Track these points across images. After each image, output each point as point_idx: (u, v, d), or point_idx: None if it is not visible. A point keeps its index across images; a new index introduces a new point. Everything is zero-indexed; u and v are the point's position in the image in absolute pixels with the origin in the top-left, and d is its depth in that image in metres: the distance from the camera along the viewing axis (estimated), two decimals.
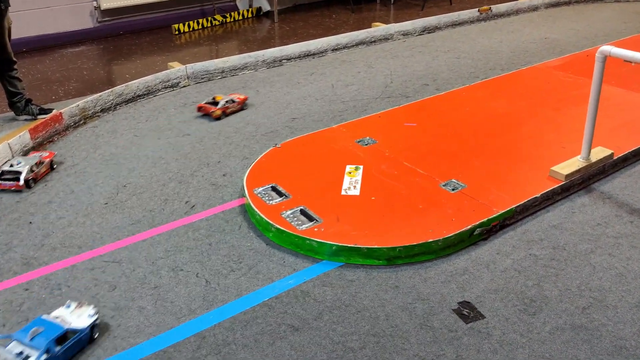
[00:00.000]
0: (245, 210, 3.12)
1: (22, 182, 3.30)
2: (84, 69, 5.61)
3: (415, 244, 2.67)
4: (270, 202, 3.04)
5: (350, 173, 3.31)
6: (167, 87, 4.91)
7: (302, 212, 2.94)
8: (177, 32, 6.88)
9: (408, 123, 3.97)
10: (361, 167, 3.37)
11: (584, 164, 3.21)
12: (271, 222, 2.85)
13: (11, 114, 4.37)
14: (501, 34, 6.17)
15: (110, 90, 4.50)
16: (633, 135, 3.63)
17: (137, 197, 3.26)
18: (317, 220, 2.86)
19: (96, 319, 2.25)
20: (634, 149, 3.47)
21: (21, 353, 2.05)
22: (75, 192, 3.32)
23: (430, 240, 2.68)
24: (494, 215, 2.85)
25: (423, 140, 3.72)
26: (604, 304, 2.39)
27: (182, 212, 3.11)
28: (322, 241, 2.70)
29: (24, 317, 2.38)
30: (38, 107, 4.37)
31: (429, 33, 6.32)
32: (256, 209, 2.96)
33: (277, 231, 2.83)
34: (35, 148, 3.82)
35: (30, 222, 3.05)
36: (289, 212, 2.94)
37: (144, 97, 4.73)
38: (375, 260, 2.67)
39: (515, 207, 2.93)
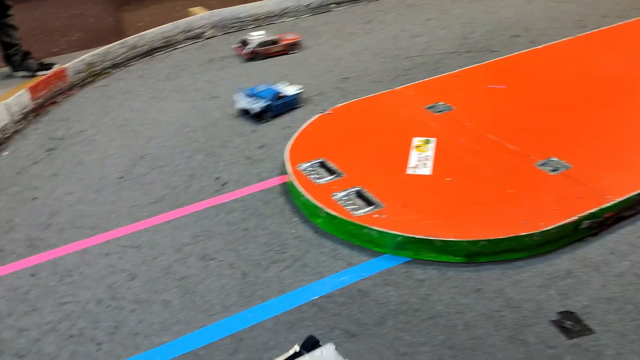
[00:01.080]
0: (288, 190, 3.16)
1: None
2: (89, 16, 5.75)
3: (503, 237, 2.64)
4: (319, 181, 3.06)
5: (418, 147, 3.30)
6: (189, 39, 5.00)
7: (359, 195, 2.96)
8: None
9: (494, 85, 3.93)
10: (433, 139, 3.35)
11: None
12: (320, 205, 2.88)
13: (6, 69, 4.53)
14: None
15: (121, 41, 4.61)
16: None
17: (157, 170, 3.35)
18: (377, 205, 2.87)
19: (302, 91, 3.96)
20: None
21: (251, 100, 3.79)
22: (84, 164, 3.44)
23: (524, 233, 2.65)
24: (608, 205, 2.79)
25: (513, 107, 3.67)
26: None
27: (211, 191, 3.18)
28: (385, 230, 2.71)
29: (32, 306, 2.51)
30: (37, 62, 4.52)
31: None
32: (301, 190, 2.99)
33: (328, 217, 2.85)
34: (35, 110, 3.95)
35: (34, 198, 3.19)
36: (341, 193, 2.96)
37: (161, 50, 4.83)
38: (451, 256, 2.67)
39: (635, 195, 2.87)
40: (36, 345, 2.34)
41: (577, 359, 2.20)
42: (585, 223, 2.75)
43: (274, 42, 4.60)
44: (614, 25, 4.77)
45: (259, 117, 3.85)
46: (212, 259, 2.72)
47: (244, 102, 3.81)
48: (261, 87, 3.89)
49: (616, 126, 3.44)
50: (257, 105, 3.76)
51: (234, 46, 4.58)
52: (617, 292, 2.48)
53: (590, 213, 2.75)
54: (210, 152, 3.51)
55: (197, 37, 5.02)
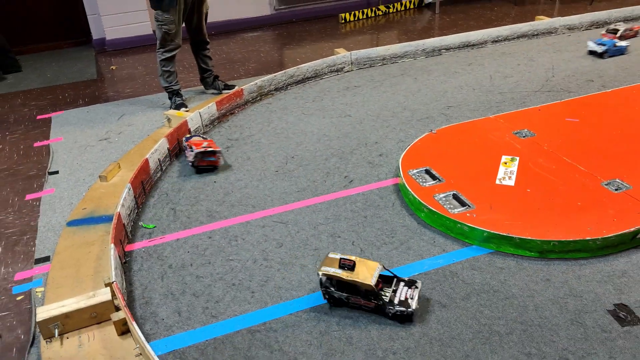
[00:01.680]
0: (399, 189, 3.13)
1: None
2: (261, 52, 5.97)
3: (571, 240, 2.50)
4: (424, 184, 3.02)
5: (505, 163, 3.17)
6: (332, 71, 5.05)
7: (455, 197, 2.88)
8: (343, 21, 7.03)
9: (570, 118, 3.69)
10: (517, 158, 3.21)
11: None
12: (424, 202, 2.84)
13: (201, 87, 4.80)
14: None
15: (283, 71, 4.74)
16: None
17: (302, 168, 3.42)
18: (469, 206, 2.79)
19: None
20: None
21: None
22: (251, 159, 3.57)
23: (588, 238, 2.49)
24: None
25: (585, 136, 3.44)
26: None
27: (341, 185, 3.20)
28: (474, 226, 2.63)
29: (207, 260, 2.63)
30: (223, 83, 4.76)
31: (596, 28, 5.79)
32: (410, 189, 2.96)
33: (429, 212, 2.80)
34: (219, 118, 4.16)
35: (215, 182, 3.33)
36: (441, 195, 2.90)
37: (311, 79, 4.91)
38: (527, 251, 2.55)
39: None
40: (208, 289, 2.45)
41: (628, 344, 2.05)
42: None
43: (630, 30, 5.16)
44: None
45: (601, 56, 4.78)
46: (339, 237, 2.74)
47: (592, 45, 4.68)
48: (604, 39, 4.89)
49: None
50: (601, 48, 4.78)
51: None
52: None
53: None
54: (342, 157, 3.53)
55: (338, 70, 5.07)
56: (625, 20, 5.91)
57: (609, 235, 2.50)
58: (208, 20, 4.50)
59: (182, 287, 2.47)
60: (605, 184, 2.90)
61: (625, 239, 2.53)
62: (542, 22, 5.72)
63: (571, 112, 3.79)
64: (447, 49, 5.42)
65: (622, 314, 2.18)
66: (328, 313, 2.26)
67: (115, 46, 6.40)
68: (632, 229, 2.53)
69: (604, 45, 4.92)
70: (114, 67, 5.81)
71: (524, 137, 3.47)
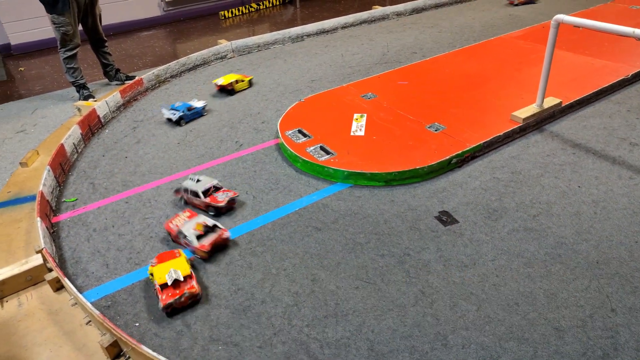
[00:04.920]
0: (280, 147, 3.11)
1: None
2: (155, 47, 5.52)
3: (407, 169, 2.65)
4: (298, 141, 3.02)
5: (357, 119, 3.26)
6: (217, 59, 4.81)
7: (322, 148, 2.92)
8: (223, 18, 6.69)
9: (401, 82, 3.87)
10: (365, 115, 3.31)
11: (538, 110, 3.11)
12: (299, 155, 2.85)
13: (105, 80, 4.35)
14: (474, 13, 5.88)
15: (176, 61, 4.43)
16: (578, 88, 3.49)
17: (200, 138, 3.26)
18: (332, 154, 2.84)
19: (205, 104, 3.51)
20: (578, 98, 3.35)
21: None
22: (156, 135, 3.33)
23: (418, 167, 2.66)
24: (467, 149, 2.80)
25: (412, 94, 3.62)
26: (550, 212, 2.37)
27: (233, 149, 3.11)
28: (337, 168, 2.69)
29: (126, 221, 2.46)
30: (125, 75, 4.35)
31: (417, 13, 6.05)
32: (287, 146, 2.95)
33: (304, 162, 2.82)
34: (124, 104, 3.81)
35: (126, 157, 3.08)
36: (311, 148, 2.92)
37: (201, 66, 4.65)
38: (376, 182, 2.66)
39: (483, 143, 2.87)
40: (130, 243, 2.31)
41: (449, 238, 2.24)
42: (454, 160, 2.76)
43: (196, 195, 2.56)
44: (472, 44, 4.70)
45: (177, 123, 3.33)
46: (235, 188, 2.68)
47: (167, 113, 3.33)
48: (178, 103, 3.42)
49: (473, 103, 3.42)
50: (174, 115, 3.32)
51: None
52: (472, 199, 2.50)
53: (457, 154, 2.76)
54: (232, 126, 3.42)
55: (222, 57, 4.84)
56: (434, 5, 6.23)
57: (432, 164, 2.68)
58: (105, 22, 4.06)
59: (107, 245, 2.30)
60: (428, 127, 3.09)
61: (443, 165, 2.74)
62: (378, 10, 5.86)
63: (402, 77, 3.96)
64: (308, 35, 5.38)
65: (444, 218, 2.37)
66: (231, 247, 2.22)
67: (22, 50, 5.59)
68: (447, 157, 2.74)
69: (177, 110, 3.39)
70: (22, 69, 5.07)
71: (369, 98, 3.57)
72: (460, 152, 2.77)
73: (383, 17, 5.86)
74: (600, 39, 4.28)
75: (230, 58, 4.88)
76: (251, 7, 6.98)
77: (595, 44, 4.25)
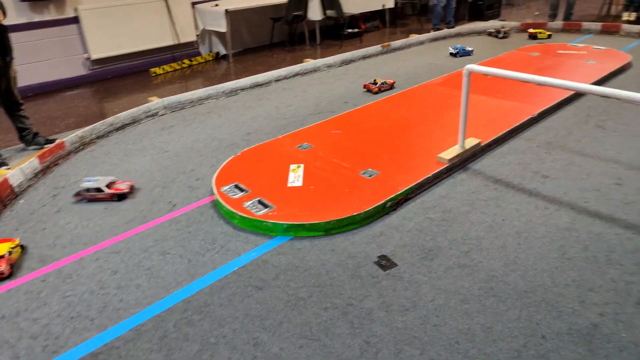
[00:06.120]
0: (215, 204, 3.07)
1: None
2: (80, 107, 5.36)
3: (344, 217, 2.71)
4: (234, 196, 3.01)
5: (293, 170, 3.32)
6: (148, 117, 4.77)
7: (259, 202, 2.93)
8: (154, 75, 6.68)
9: (334, 130, 4.02)
10: (302, 165, 3.38)
11: (461, 151, 3.35)
12: (235, 211, 2.83)
13: (22, 145, 4.13)
14: (398, 62, 6.33)
15: (102, 121, 4.33)
16: (494, 128, 3.80)
17: (129, 201, 3.15)
18: (270, 207, 2.86)
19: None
20: (494, 137, 3.64)
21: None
22: (80, 202, 3.18)
23: (355, 213, 2.73)
24: (400, 192, 2.93)
25: (346, 142, 3.77)
26: (480, 247, 2.50)
27: (166, 210, 3.03)
28: (276, 222, 2.70)
29: (43, 302, 2.27)
30: (44, 138, 4.16)
31: (346, 65, 6.41)
32: (223, 203, 2.93)
33: (241, 218, 2.80)
34: (43, 170, 3.62)
35: (44, 229, 2.89)
36: (249, 202, 2.92)
37: (130, 125, 4.57)
38: (316, 232, 2.69)
39: (414, 185, 3.02)
40: (46, 328, 2.12)
41: (389, 282, 2.28)
42: (389, 204, 2.87)
43: (385, 83, 5.04)
44: (398, 92, 5.02)
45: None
46: (168, 254, 2.58)
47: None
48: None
49: (403, 147, 3.61)
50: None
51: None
52: (408, 240, 2.59)
53: (391, 198, 2.87)
54: (165, 186, 3.35)
55: (153, 115, 4.79)
56: (362, 57, 6.64)
57: (368, 209, 2.77)
58: (24, 84, 3.92)
59: (18, 333, 2.09)
60: (362, 173, 3.21)
61: (379, 209, 2.83)
62: (309, 63, 6.15)
63: (335, 126, 4.13)
64: (242, 89, 5.50)
65: (383, 262, 2.43)
66: (165, 319, 2.12)
67: None
68: (382, 202, 2.84)
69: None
70: None
71: (305, 149, 3.67)
72: (394, 195, 2.89)
73: (315, 70, 6.14)
74: (509, 83, 4.74)
75: (162, 115, 4.85)
76: (183, 63, 7.05)
77: (505, 87, 4.70)
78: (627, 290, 2.16)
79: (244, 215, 2.78)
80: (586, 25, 7.50)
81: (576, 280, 2.23)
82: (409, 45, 7.16)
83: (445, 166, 3.23)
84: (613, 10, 8.95)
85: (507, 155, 3.49)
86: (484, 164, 3.41)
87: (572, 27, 7.59)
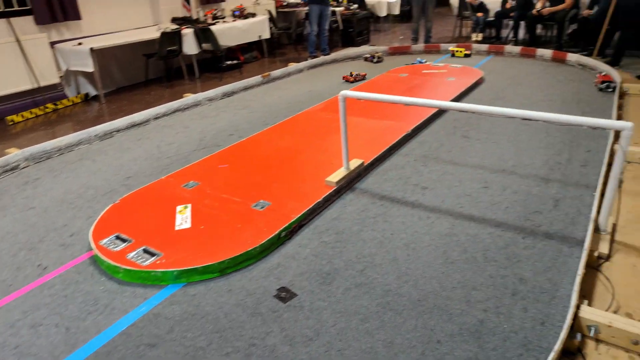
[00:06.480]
0: (95, 260, 2.80)
1: None
2: None
3: (239, 254, 2.65)
4: (116, 248, 2.78)
5: (181, 212, 3.18)
6: (7, 171, 4.23)
7: (145, 251, 2.74)
8: (11, 123, 5.98)
9: (221, 165, 3.95)
10: (189, 205, 3.26)
11: (347, 172, 3.51)
12: (118, 264, 2.61)
13: None
14: (279, 91, 6.49)
15: None
16: (375, 148, 4.05)
17: None
18: (158, 255, 2.69)
19: None
20: (376, 156, 3.88)
21: None
22: None
23: (250, 248, 2.69)
24: (293, 220, 2.96)
25: (234, 176, 3.72)
26: (374, 264, 2.61)
27: (35, 275, 2.68)
28: (165, 270, 2.54)
29: None
30: None
31: (228, 97, 6.39)
32: (104, 257, 2.69)
33: (125, 271, 2.59)
34: None
35: None
36: (133, 253, 2.72)
37: None
38: (210, 274, 2.59)
39: (306, 211, 3.08)
40: None
41: (291, 314, 2.27)
42: (283, 233, 2.88)
43: (359, 74, 6.38)
44: (282, 120, 5.13)
45: None
46: (40, 325, 2.28)
47: None
48: None
49: (292, 175, 3.67)
50: None
51: None
52: (305, 268, 2.61)
53: (285, 227, 2.89)
54: (32, 247, 2.97)
55: (13, 169, 4.26)
56: (243, 88, 6.69)
57: (263, 242, 2.75)
58: None
59: None
60: (254, 206, 3.19)
61: (274, 240, 2.83)
62: (189, 97, 6.01)
63: (222, 160, 4.06)
64: (118, 130, 5.17)
65: (282, 294, 2.42)
66: None
67: None
68: (276, 232, 2.84)
69: None
70: None
71: (191, 187, 3.54)
72: (287, 224, 2.91)
73: (196, 104, 6.02)
74: (383, 104, 5.12)
75: (25, 168, 4.34)
76: (47, 107, 6.42)
77: (380, 108, 5.07)
78: (503, 283, 2.41)
79: (129, 267, 2.58)
80: (444, 46, 8.48)
81: (461, 281, 2.44)
82: (289, 74, 7.39)
83: (333, 189, 3.35)
84: (464, 32, 10.26)
85: (388, 172, 3.74)
86: (369, 182, 3.60)
87: (432, 49, 8.51)
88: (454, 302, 2.29)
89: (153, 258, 2.66)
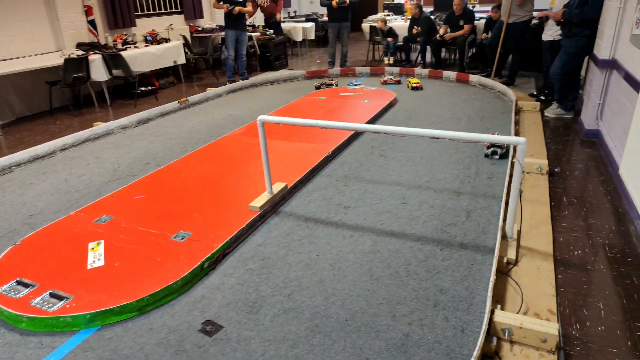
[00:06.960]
0: None
1: None
2: None
3: (159, 289, 2.53)
4: (17, 295, 2.53)
5: (92, 249, 2.98)
6: None
7: (52, 295, 2.52)
8: None
9: (137, 196, 3.78)
10: (102, 241, 3.06)
11: (270, 196, 3.51)
12: (21, 313, 2.37)
13: None
14: (198, 117, 6.37)
15: None
16: (297, 170, 4.11)
17: None
18: (67, 298, 2.49)
19: None
20: (298, 178, 3.94)
21: None
22: None
23: (171, 282, 2.58)
24: (216, 249, 2.90)
25: (152, 207, 3.57)
26: (301, 287, 2.62)
27: None
28: (76, 314, 2.36)
29: None
30: None
31: (143, 124, 6.15)
32: (2, 307, 2.43)
33: (29, 319, 2.36)
34: None
35: None
36: (38, 299, 2.49)
37: None
38: (128, 314, 2.44)
39: (230, 239, 3.03)
40: None
41: (217, 348, 2.20)
42: (206, 264, 2.80)
43: None
44: (202, 146, 5.04)
45: None
46: None
47: None
48: None
49: (213, 202, 3.60)
50: None
51: None
52: (231, 298, 2.56)
53: (207, 257, 2.82)
54: None
55: None
56: (159, 115, 6.48)
57: (185, 274, 2.65)
58: None
59: None
60: (174, 237, 3.07)
61: (196, 272, 2.74)
62: (100, 126, 5.70)
63: (138, 191, 3.88)
64: (18, 165, 4.75)
65: (208, 328, 2.34)
66: None
67: None
68: (199, 263, 2.76)
69: None
70: None
71: (104, 222, 3.34)
72: (210, 254, 2.84)
73: (108, 133, 5.72)
74: (303, 127, 5.24)
75: None
76: None
77: (300, 131, 5.17)
78: (426, 295, 2.53)
79: (33, 315, 2.35)
80: (359, 69, 8.88)
81: (386, 297, 2.52)
82: (207, 99, 7.30)
83: (257, 214, 3.33)
84: (377, 56, 10.83)
85: (312, 193, 3.81)
86: (293, 204, 3.63)
87: (348, 72, 8.88)
88: (381, 318, 2.36)
89: (61, 302, 2.45)
